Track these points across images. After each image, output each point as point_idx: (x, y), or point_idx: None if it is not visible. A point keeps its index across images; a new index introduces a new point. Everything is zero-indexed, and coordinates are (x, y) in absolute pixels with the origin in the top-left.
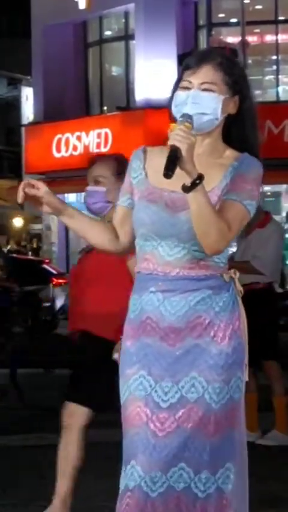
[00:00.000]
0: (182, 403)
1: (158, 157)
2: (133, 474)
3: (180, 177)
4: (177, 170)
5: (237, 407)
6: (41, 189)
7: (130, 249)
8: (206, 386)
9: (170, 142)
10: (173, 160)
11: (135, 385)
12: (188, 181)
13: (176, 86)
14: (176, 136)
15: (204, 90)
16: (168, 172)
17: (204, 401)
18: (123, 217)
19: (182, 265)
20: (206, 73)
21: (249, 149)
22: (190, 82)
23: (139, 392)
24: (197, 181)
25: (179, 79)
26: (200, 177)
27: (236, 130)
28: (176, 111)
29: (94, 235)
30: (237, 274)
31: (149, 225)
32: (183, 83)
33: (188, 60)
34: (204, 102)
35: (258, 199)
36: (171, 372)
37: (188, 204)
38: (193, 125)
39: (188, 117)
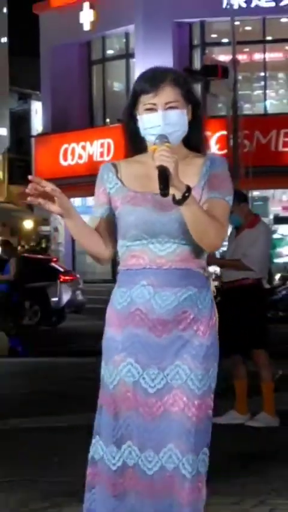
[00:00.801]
0: (167, 389)
1: (127, 168)
2: (131, 453)
3: (155, 182)
4: (147, 176)
5: (212, 395)
6: (48, 187)
7: (111, 258)
8: (189, 373)
9: (157, 163)
10: (165, 179)
11: (124, 372)
12: (178, 195)
13: (130, 109)
14: (161, 157)
15: (170, 108)
16: (165, 191)
17: (187, 387)
18: (104, 228)
19: (173, 259)
20: (167, 93)
21: (205, 149)
22: (154, 104)
23: (128, 379)
24: (187, 194)
25: (133, 103)
26: (189, 189)
27: (194, 135)
28: (146, 133)
29: (91, 242)
30: (213, 275)
31: (140, 225)
32: (147, 106)
33: (142, 85)
34: (174, 120)
35: (233, 193)
36: (157, 360)
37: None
38: (169, 143)
39: (164, 138)
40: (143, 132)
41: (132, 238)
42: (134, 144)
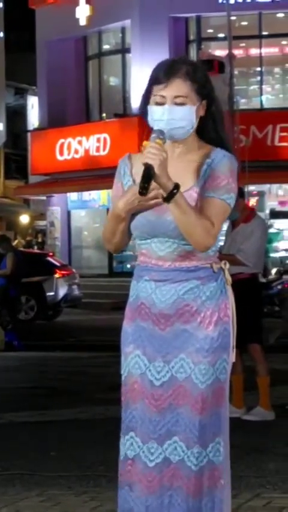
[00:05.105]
0: (172, 382)
1: (141, 163)
2: (133, 444)
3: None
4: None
5: (223, 386)
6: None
7: (122, 249)
8: (192, 367)
9: (143, 160)
10: (148, 178)
11: (132, 363)
12: (164, 193)
13: (145, 99)
14: (148, 154)
15: (178, 104)
16: (143, 191)
17: (191, 381)
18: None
19: (173, 258)
20: (177, 86)
21: (223, 146)
22: (163, 97)
23: (135, 371)
24: (174, 191)
25: (148, 91)
26: (177, 187)
27: (209, 132)
28: (154, 124)
29: (122, 235)
30: (227, 265)
31: (139, 226)
32: (156, 98)
33: (156, 74)
34: (180, 116)
35: (235, 191)
36: (163, 353)
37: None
38: (165, 139)
39: (159, 133)
40: (151, 123)
41: (138, 237)
42: None
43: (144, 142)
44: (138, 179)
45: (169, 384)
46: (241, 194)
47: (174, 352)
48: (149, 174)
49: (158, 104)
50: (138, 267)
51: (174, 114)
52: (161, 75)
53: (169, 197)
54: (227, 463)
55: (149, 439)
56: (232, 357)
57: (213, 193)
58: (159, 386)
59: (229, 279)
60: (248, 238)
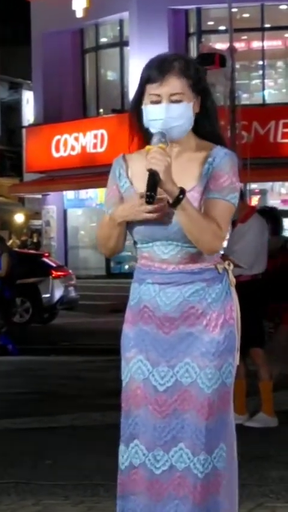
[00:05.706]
0: (177, 386)
1: (138, 163)
2: (137, 452)
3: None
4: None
5: (229, 391)
6: None
7: (118, 253)
8: (198, 372)
9: (148, 166)
10: (153, 185)
11: (134, 369)
12: (171, 199)
13: (138, 99)
14: (152, 160)
15: (174, 101)
16: (150, 199)
17: (197, 385)
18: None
19: (177, 261)
20: (172, 84)
21: (219, 141)
22: (158, 95)
23: (138, 376)
24: (181, 196)
25: (141, 91)
26: (182, 192)
27: (204, 127)
28: (149, 125)
29: (118, 240)
30: (231, 266)
31: (141, 230)
32: (152, 97)
33: (149, 73)
34: (178, 114)
35: (238, 189)
36: (167, 358)
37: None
38: (167, 143)
39: (161, 136)
40: (146, 123)
41: (139, 241)
42: (147, 134)
43: (147, 147)
44: (135, 181)
45: (173, 389)
46: (240, 195)
47: (178, 356)
48: (154, 180)
49: (153, 103)
50: (139, 270)
51: (172, 112)
52: (155, 74)
53: (175, 203)
54: (233, 467)
55: (154, 447)
56: (237, 360)
57: (217, 194)
58: (163, 391)
59: (233, 280)
60: (242, 238)
